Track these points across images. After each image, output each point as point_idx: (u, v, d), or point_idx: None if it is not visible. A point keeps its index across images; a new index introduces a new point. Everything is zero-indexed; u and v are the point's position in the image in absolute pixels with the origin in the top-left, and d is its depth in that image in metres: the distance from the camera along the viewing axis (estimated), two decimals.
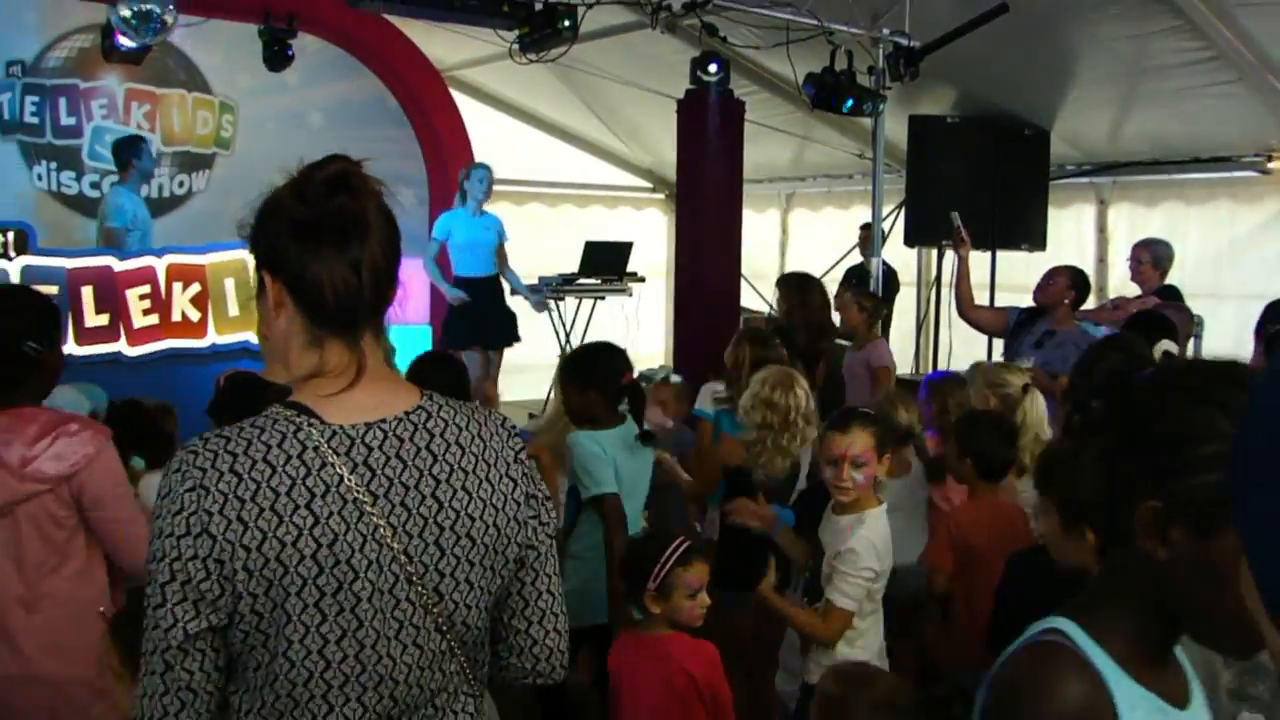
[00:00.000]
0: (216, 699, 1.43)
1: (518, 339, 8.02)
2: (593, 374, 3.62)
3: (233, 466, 1.40)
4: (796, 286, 6.36)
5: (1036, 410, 4.18)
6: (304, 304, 1.48)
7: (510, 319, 8.00)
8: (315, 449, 1.43)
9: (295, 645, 1.40)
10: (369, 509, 1.43)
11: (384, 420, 1.48)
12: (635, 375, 3.72)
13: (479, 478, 1.53)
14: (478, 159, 9.58)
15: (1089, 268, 7.38)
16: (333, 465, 1.43)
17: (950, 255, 7.54)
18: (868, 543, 3.10)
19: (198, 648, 1.40)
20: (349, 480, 1.43)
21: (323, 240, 1.46)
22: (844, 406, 4.17)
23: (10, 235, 6.84)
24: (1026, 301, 5.93)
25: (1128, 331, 4.69)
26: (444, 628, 1.49)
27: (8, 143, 8.20)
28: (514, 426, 1.62)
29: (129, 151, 7.61)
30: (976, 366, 4.96)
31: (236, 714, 1.46)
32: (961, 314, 6.30)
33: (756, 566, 3.18)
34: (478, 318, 7.73)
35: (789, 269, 11.19)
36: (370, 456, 1.45)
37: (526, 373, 8.98)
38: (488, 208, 8.08)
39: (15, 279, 6.50)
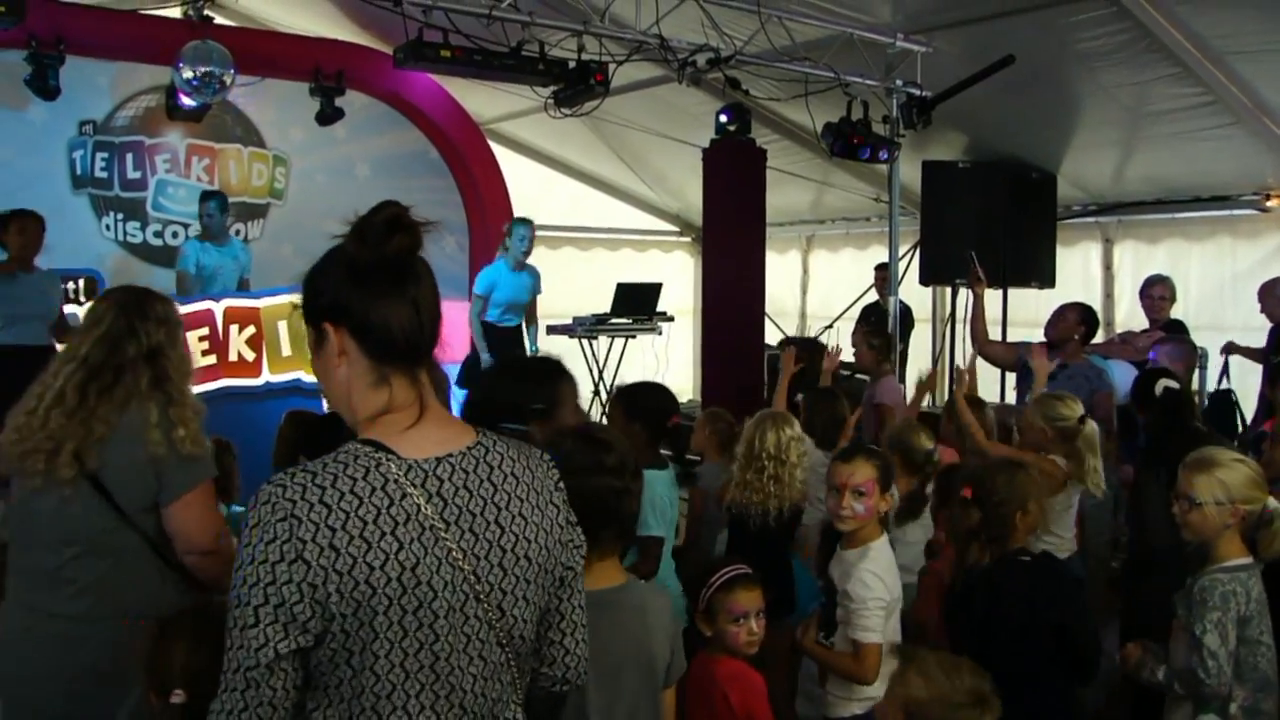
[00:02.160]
0: (290, 716, 1.48)
1: None
2: (640, 408, 3.58)
3: (322, 498, 1.46)
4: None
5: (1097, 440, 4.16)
6: (370, 346, 1.55)
7: None
8: (395, 481, 1.50)
9: (381, 660, 1.47)
10: (443, 534, 1.51)
11: (451, 454, 1.57)
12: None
13: (531, 504, 1.62)
14: (516, 209, 9.63)
15: (1096, 303, 7.29)
16: (411, 496, 1.50)
17: (964, 293, 7.49)
18: (872, 575, 3.05)
19: (282, 667, 1.44)
20: (425, 509, 1.51)
21: (384, 283, 1.54)
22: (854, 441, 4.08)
23: (80, 282, 6.93)
24: (1038, 337, 5.85)
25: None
26: (504, 641, 1.57)
27: (79, 196, 8.33)
28: (550, 460, 1.73)
29: (198, 207, 7.76)
30: (1032, 402, 4.63)
31: None
32: (976, 350, 6.24)
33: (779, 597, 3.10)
34: None
35: (810, 308, 11.19)
36: (442, 487, 1.54)
37: None
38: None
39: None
